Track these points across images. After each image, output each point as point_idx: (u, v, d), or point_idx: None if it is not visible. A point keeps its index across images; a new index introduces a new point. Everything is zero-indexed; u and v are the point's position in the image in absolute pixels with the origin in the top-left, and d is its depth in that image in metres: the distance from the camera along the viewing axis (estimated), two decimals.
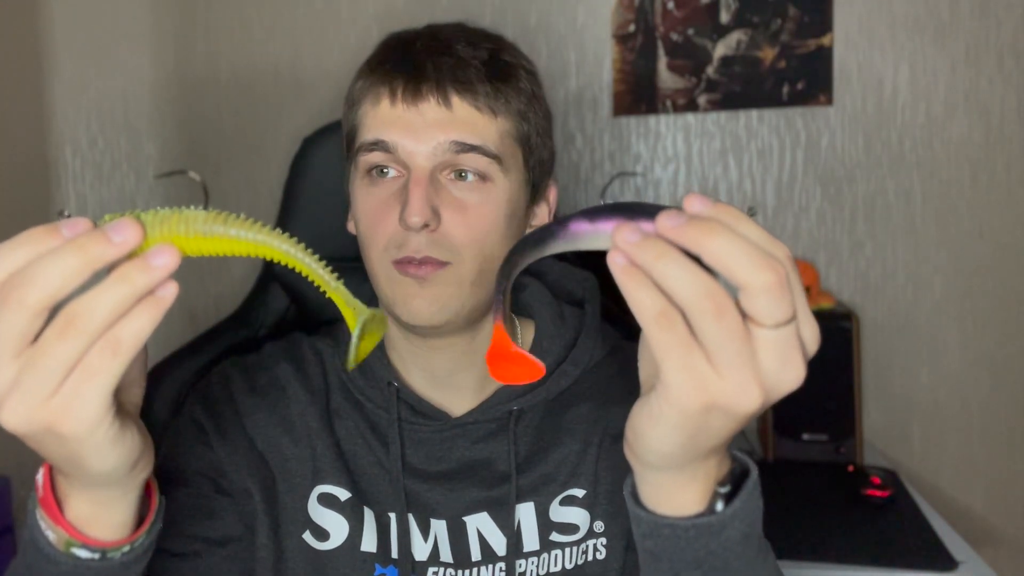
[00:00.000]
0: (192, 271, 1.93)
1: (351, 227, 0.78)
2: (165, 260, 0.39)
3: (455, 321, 0.69)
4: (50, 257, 0.38)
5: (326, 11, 1.78)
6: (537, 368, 0.47)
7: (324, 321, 0.91)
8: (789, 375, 0.40)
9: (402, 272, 0.67)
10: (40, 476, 0.48)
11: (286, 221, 1.06)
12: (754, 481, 0.49)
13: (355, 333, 0.46)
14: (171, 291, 0.40)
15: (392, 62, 0.70)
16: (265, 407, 0.75)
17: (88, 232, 0.39)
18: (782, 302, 0.38)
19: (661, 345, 0.39)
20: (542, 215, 0.77)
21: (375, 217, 0.69)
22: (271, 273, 1.07)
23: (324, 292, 0.45)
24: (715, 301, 0.38)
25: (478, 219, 0.68)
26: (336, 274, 0.45)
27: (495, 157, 0.68)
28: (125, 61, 1.84)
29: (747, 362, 0.39)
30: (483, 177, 0.68)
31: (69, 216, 0.41)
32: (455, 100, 0.68)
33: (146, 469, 0.48)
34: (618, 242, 0.39)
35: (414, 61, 0.69)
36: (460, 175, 0.68)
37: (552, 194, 0.78)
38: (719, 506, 0.47)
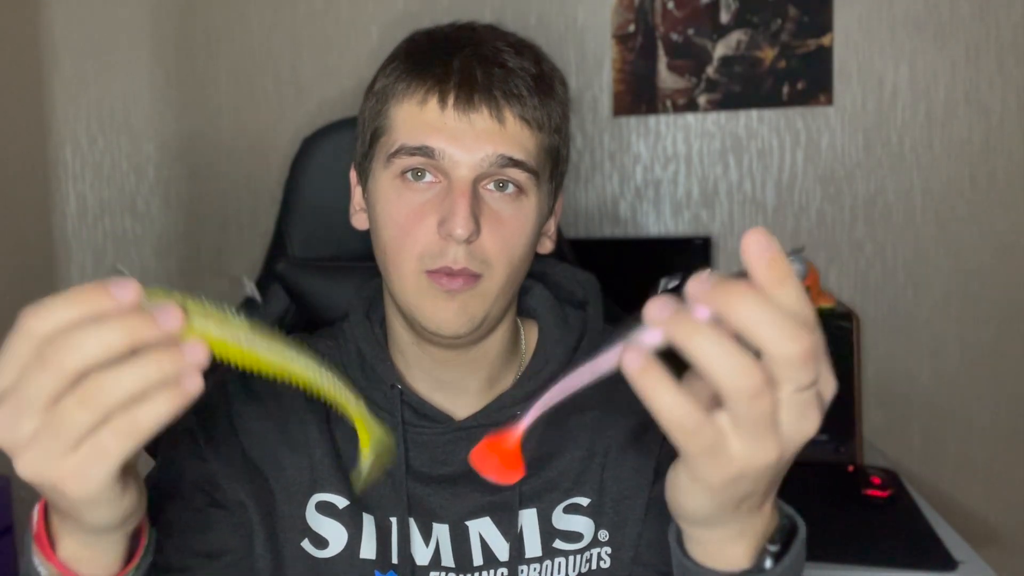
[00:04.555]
0: (192, 271, 1.93)
1: (357, 221, 0.76)
2: (199, 357, 0.39)
3: (477, 331, 0.69)
4: (96, 326, 0.38)
5: (326, 12, 1.78)
6: (517, 473, 0.46)
7: (324, 322, 0.91)
8: (805, 427, 0.40)
9: (434, 282, 0.67)
10: (36, 512, 0.49)
11: (286, 221, 1.06)
12: (802, 540, 0.49)
13: (369, 459, 0.50)
14: (196, 385, 0.40)
15: (440, 66, 0.67)
16: (262, 415, 0.75)
17: (135, 312, 0.39)
18: (807, 370, 0.38)
19: (681, 435, 0.40)
20: (550, 226, 0.77)
21: (409, 223, 0.67)
22: (272, 274, 1.06)
23: (346, 414, 0.48)
24: (754, 384, 0.38)
25: (512, 232, 0.68)
26: (360, 399, 0.48)
27: (534, 172, 0.68)
28: (125, 61, 1.84)
29: (770, 427, 0.39)
30: (520, 189, 0.68)
31: (122, 272, 0.42)
32: (507, 113, 0.66)
33: (137, 519, 0.49)
34: (651, 317, 0.38)
35: (464, 67, 0.67)
36: (499, 186, 0.68)
37: (559, 204, 0.78)
38: (767, 563, 0.48)
